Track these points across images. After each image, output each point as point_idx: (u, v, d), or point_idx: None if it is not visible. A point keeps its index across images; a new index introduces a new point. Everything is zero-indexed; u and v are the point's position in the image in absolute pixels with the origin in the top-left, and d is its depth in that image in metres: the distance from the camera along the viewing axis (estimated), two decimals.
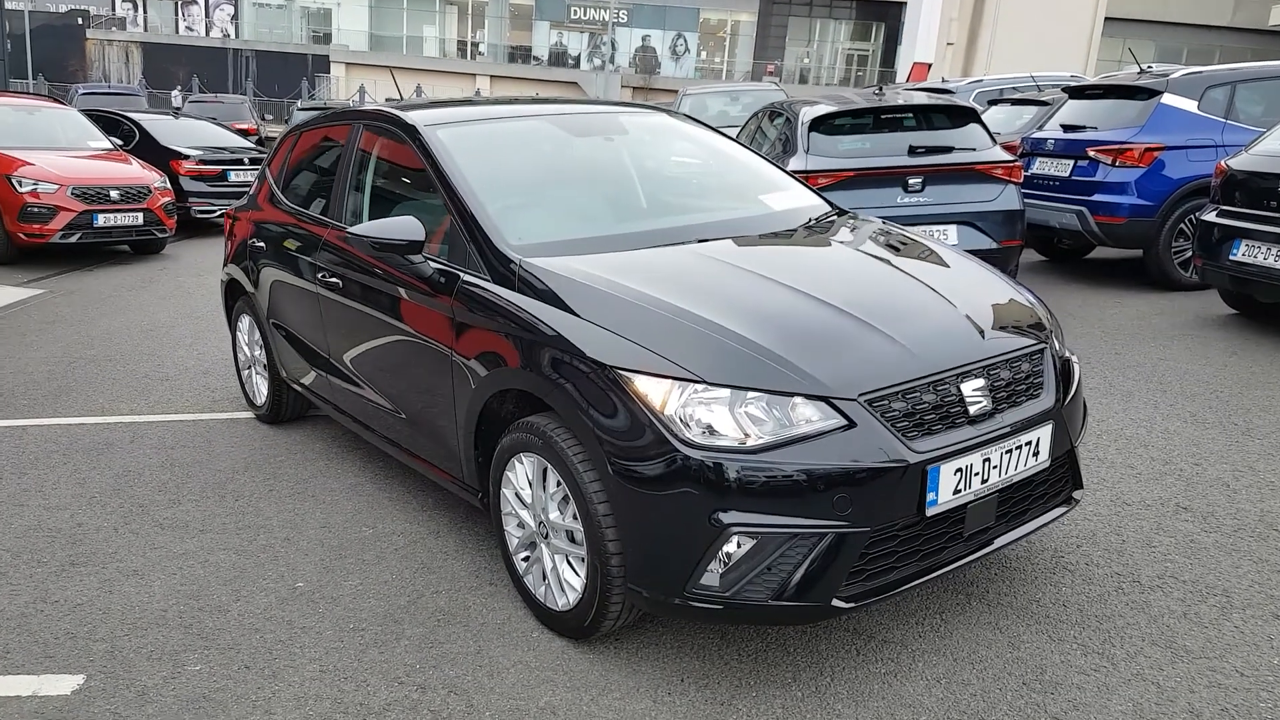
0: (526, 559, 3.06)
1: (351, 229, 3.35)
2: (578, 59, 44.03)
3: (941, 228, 6.27)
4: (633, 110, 4.30)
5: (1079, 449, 3.05)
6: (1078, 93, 8.24)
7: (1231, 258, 5.99)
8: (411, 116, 3.76)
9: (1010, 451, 2.72)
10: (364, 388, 3.83)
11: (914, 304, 2.93)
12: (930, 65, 20.20)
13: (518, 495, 3.02)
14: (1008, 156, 6.60)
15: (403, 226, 3.24)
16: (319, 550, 3.58)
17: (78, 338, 6.91)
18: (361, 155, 4.01)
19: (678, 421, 2.48)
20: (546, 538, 2.91)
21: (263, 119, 22.59)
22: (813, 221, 3.68)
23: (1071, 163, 7.62)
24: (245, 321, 4.97)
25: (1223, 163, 6.30)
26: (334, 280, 3.85)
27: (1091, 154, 7.45)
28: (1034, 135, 8.23)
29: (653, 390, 2.53)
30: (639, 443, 2.52)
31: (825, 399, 2.49)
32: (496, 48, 44.06)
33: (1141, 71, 7.92)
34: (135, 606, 3.21)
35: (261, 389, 4.92)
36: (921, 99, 7.30)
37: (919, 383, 2.61)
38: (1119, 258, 8.99)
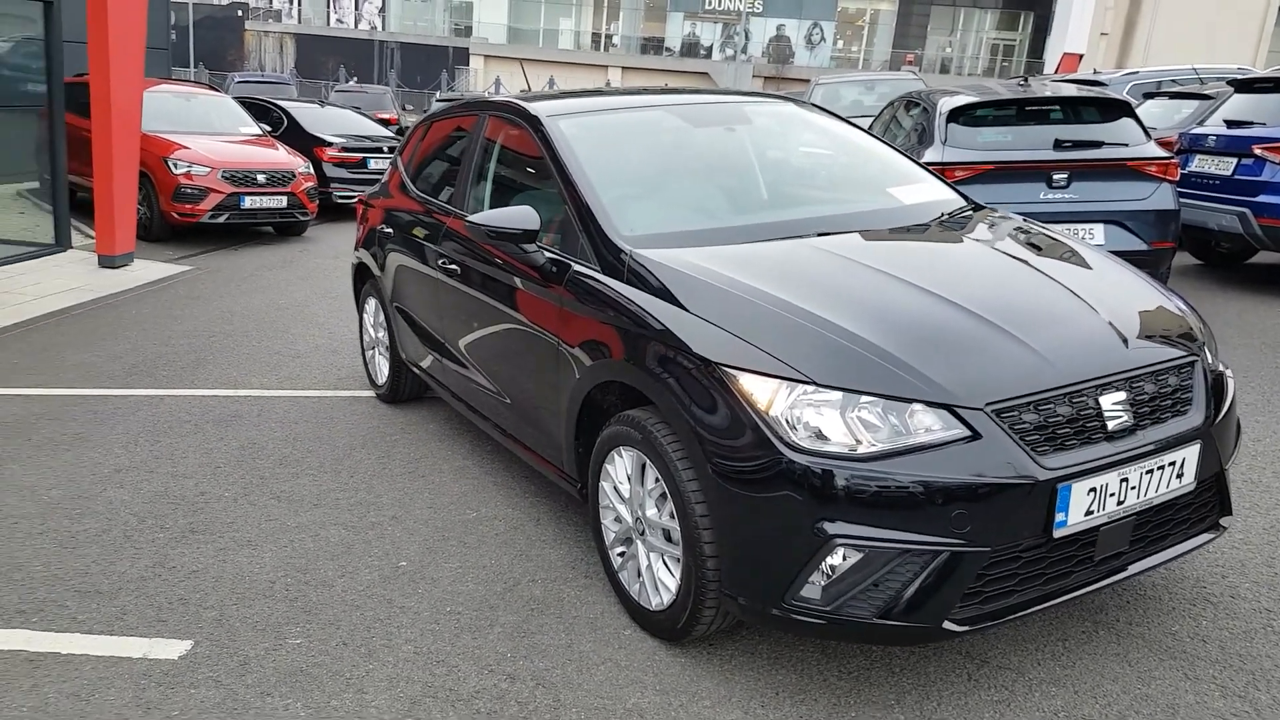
0: (622, 554, 2.99)
1: (470, 217, 3.35)
2: (709, 49, 43.80)
3: (1087, 226, 5.89)
4: (759, 100, 4.17)
5: (1230, 471, 2.78)
6: (1245, 86, 7.61)
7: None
8: (535, 107, 3.74)
9: (1151, 472, 2.49)
10: (474, 373, 3.84)
11: (1052, 308, 2.72)
12: (1081, 56, 19.15)
13: (616, 489, 2.95)
14: (1162, 153, 6.15)
15: (519, 216, 3.22)
16: (424, 530, 3.61)
17: (218, 313, 7.25)
18: (486, 145, 4.02)
19: (783, 423, 2.36)
20: (643, 534, 2.84)
21: (403, 109, 23.32)
22: (945, 217, 3.48)
23: (1235, 161, 7.05)
24: (371, 304, 5.08)
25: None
26: (453, 267, 3.88)
27: (1258, 152, 6.87)
28: (1193, 131, 7.66)
29: (758, 389, 2.41)
30: (741, 443, 2.41)
31: (948, 407, 2.32)
32: (629, 39, 44.29)
33: None
34: (246, 576, 3.30)
35: (383, 369, 5.03)
36: (1069, 90, 6.88)
37: (1053, 394, 2.41)
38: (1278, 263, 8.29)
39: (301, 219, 10.68)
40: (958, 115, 6.19)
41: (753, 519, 2.41)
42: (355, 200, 12.16)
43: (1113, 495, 2.43)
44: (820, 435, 2.34)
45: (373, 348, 5.17)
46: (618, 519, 2.99)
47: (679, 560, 2.66)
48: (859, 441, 2.32)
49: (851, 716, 2.51)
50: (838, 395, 2.36)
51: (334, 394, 5.29)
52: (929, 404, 2.33)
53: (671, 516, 2.66)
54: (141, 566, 3.38)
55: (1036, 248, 3.21)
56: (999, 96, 6.42)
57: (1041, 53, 40.21)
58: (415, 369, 4.61)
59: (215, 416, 4.93)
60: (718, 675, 2.69)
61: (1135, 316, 2.78)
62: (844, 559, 2.32)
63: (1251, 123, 7.13)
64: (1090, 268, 3.09)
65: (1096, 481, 2.39)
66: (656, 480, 2.72)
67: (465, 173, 4.06)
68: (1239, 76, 8.37)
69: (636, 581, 2.90)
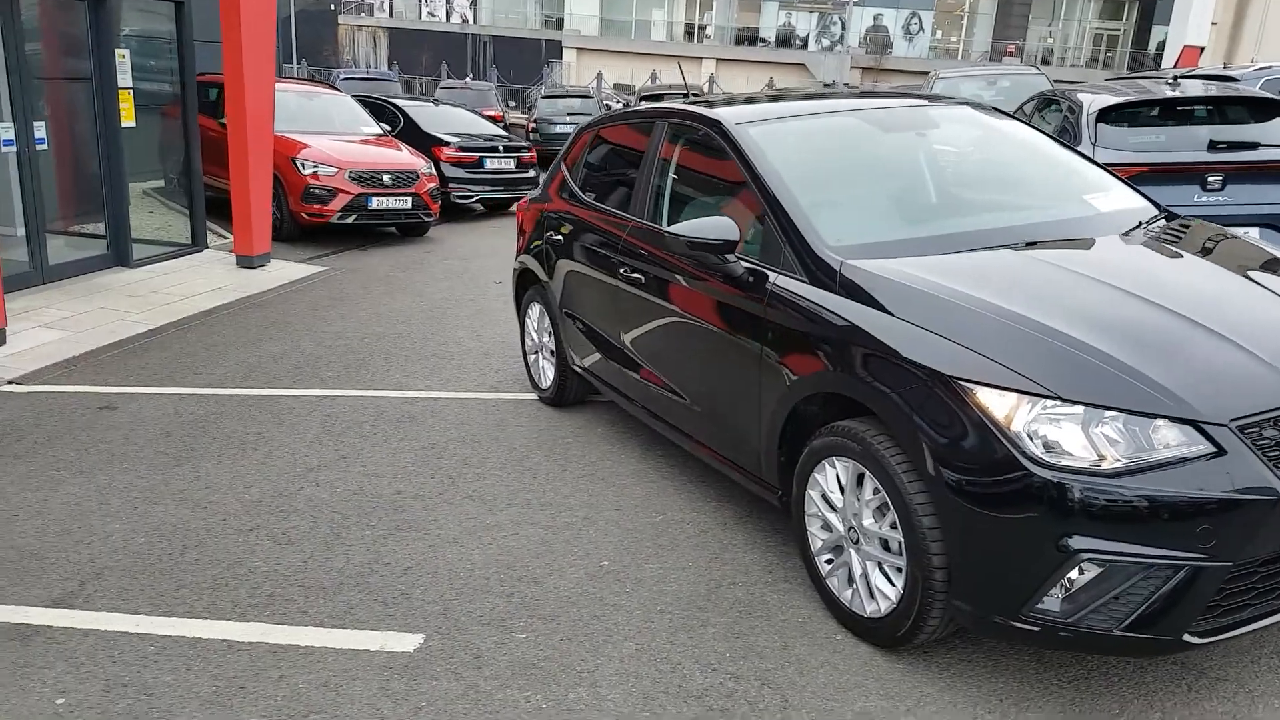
0: (830, 561, 3.11)
1: (669, 228, 3.49)
2: (805, 39, 43.51)
3: (1242, 230, 5.78)
4: (940, 104, 4.23)
5: None
6: None
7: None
8: (720, 114, 3.86)
9: None
10: (658, 379, 3.99)
11: (1277, 321, 2.75)
12: (1203, 49, 18.46)
13: (825, 498, 3.06)
14: None
15: (718, 226, 3.35)
16: (616, 532, 3.78)
17: (366, 315, 7.57)
18: (665, 153, 4.16)
19: (1025, 438, 2.44)
20: (857, 543, 2.95)
21: (506, 105, 23.72)
22: (1144, 225, 3.50)
23: None
24: (535, 309, 5.28)
25: None
26: (636, 275, 4.03)
27: None
28: None
29: (998, 404, 2.49)
30: (980, 458, 2.49)
31: (1193, 423, 2.38)
32: (724, 30, 44.21)
33: None
34: (459, 573, 3.51)
35: (548, 373, 5.22)
36: (1223, 90, 6.74)
37: None
38: None
39: (425, 219, 11.01)
40: (1108, 115, 6.12)
41: (991, 533, 2.49)
42: (478, 200, 12.57)
43: None
44: (1062, 450, 2.41)
45: (535, 352, 5.38)
46: (825, 527, 3.10)
47: (900, 570, 2.76)
48: (1103, 457, 2.38)
49: None
50: (1080, 410, 2.42)
51: (497, 396, 5.51)
52: (1173, 419, 2.38)
53: (893, 527, 2.77)
54: (358, 562, 3.62)
55: (1246, 258, 3.22)
56: (1150, 96, 6.33)
57: (1146, 43, 38.89)
58: (585, 374, 4.79)
59: (390, 418, 5.19)
60: (939, 681, 2.79)
61: None
62: (1085, 573, 2.39)
63: None
64: None
65: None
66: (876, 491, 2.82)
67: (644, 180, 4.20)
68: None
69: (848, 589, 3.02)
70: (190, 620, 3.24)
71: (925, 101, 4.25)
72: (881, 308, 2.87)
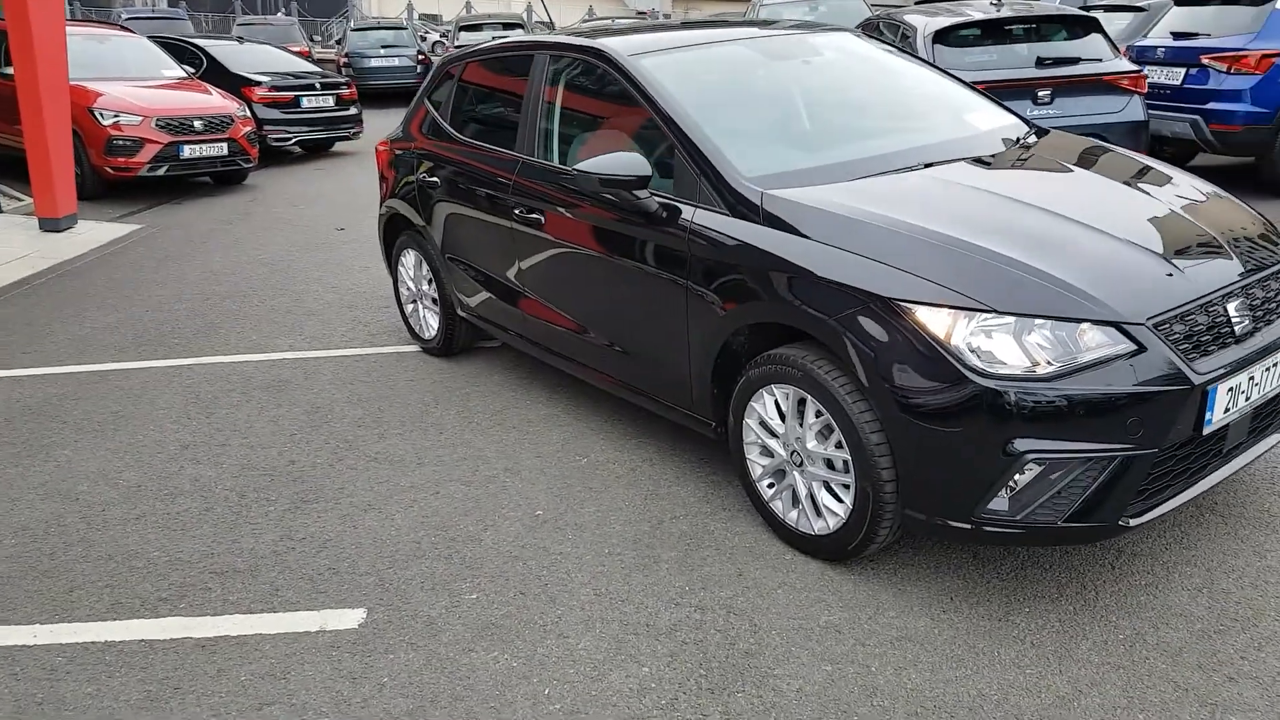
0: (771, 485, 3.17)
1: (578, 166, 3.38)
2: None
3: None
4: (818, 31, 4.27)
5: None
6: None
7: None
8: (610, 46, 3.75)
9: (1269, 369, 2.79)
10: (567, 320, 3.91)
11: (1171, 225, 2.98)
12: None
13: (764, 425, 3.11)
14: (1133, 67, 6.51)
15: (630, 163, 3.28)
16: (542, 479, 3.71)
17: (199, 275, 7.01)
18: (550, 87, 4.01)
19: (966, 351, 2.55)
20: (800, 466, 3.02)
21: (311, 41, 22.21)
22: (1020, 140, 3.69)
23: (1184, 71, 7.48)
24: (410, 256, 5.04)
25: None
26: (534, 216, 3.91)
27: (1205, 61, 7.31)
28: (1140, 43, 8.06)
29: (936, 321, 2.59)
30: (925, 375, 2.59)
31: (1115, 324, 2.55)
32: None
33: None
34: (386, 540, 3.36)
35: (430, 322, 5.02)
36: (1044, 9, 7.16)
37: (1193, 305, 2.66)
38: (1221, 165, 8.86)
39: (244, 166, 10.28)
40: (943, 36, 6.40)
41: (940, 444, 2.60)
42: (296, 142, 11.80)
43: (1243, 393, 2.72)
44: (999, 360, 2.54)
45: (414, 301, 5.15)
46: (766, 453, 3.16)
47: (849, 487, 2.86)
48: (1036, 363, 2.53)
49: (1026, 611, 2.78)
50: (1012, 320, 2.55)
51: (375, 351, 5.26)
52: (1097, 322, 2.55)
53: (839, 447, 2.85)
54: (269, 541, 3.40)
55: (1126, 168, 3.46)
56: (979, 17, 6.64)
57: None
58: (478, 320, 4.63)
59: (260, 383, 4.86)
60: (891, 588, 2.92)
61: (1237, 227, 3.06)
62: (1029, 472, 2.55)
63: (1197, 34, 7.55)
64: (1176, 183, 3.36)
65: (1233, 381, 2.67)
66: (819, 414, 2.89)
67: (530, 117, 4.04)
68: None
69: (793, 510, 3.09)
70: (96, 623, 2.96)
71: (803, 29, 4.27)
72: (809, 236, 2.90)
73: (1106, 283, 2.63)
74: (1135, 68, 6.47)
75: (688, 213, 3.23)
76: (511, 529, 3.38)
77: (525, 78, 4.14)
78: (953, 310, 2.58)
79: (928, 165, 3.31)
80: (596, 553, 3.20)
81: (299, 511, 3.59)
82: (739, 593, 2.94)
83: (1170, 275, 2.71)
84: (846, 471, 2.86)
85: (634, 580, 3.04)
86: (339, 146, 13.38)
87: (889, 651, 2.65)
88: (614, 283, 3.57)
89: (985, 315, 2.56)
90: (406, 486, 3.73)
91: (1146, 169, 3.46)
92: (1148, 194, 3.20)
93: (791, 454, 3.04)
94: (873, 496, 2.77)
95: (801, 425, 2.97)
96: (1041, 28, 6.63)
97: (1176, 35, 7.70)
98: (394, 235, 5.20)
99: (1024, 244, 2.74)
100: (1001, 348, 2.55)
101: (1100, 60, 6.42)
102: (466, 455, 3.95)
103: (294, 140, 11.98)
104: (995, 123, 3.83)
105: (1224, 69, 7.19)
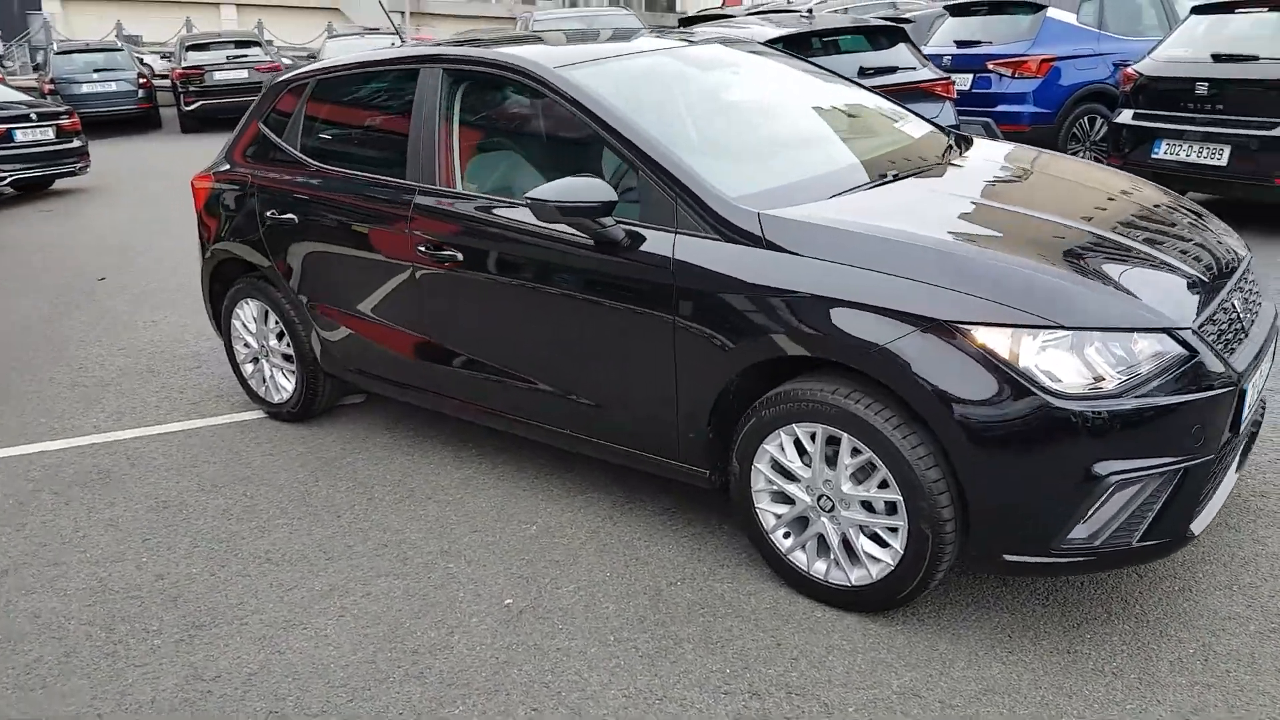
0: (789, 535, 2.84)
1: (532, 194, 2.89)
2: None
3: None
4: (732, 43, 4.01)
5: None
6: (960, 9, 8.56)
7: (1154, 156, 6.49)
8: (527, 57, 3.28)
9: (1269, 360, 2.81)
10: (505, 370, 3.37)
11: (1164, 226, 2.95)
12: None
13: (779, 469, 2.78)
14: (944, 75, 6.77)
15: (591, 187, 2.84)
16: (493, 559, 3.15)
17: None
18: (451, 106, 3.46)
19: (1036, 371, 2.35)
20: (830, 510, 2.71)
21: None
22: (954, 147, 3.59)
23: (971, 76, 7.94)
24: (251, 307, 4.24)
25: (1131, 69, 6.77)
26: (447, 253, 3.34)
27: (991, 68, 7.80)
28: (926, 51, 8.49)
29: (999, 341, 2.37)
30: (994, 400, 2.36)
31: (1167, 331, 2.43)
32: None
33: None
34: (329, 664, 2.70)
35: (282, 383, 4.25)
36: (852, 21, 7.33)
37: (1216, 305, 2.62)
38: None
39: None
40: (774, 47, 6.34)
41: (1016, 473, 2.39)
42: (10, 182, 10.03)
43: (1256, 387, 2.72)
44: (1068, 377, 2.36)
45: (257, 359, 4.35)
46: (781, 500, 2.82)
47: (896, 530, 2.58)
48: (1101, 377, 2.37)
49: (1088, 639, 2.60)
50: (1071, 335, 2.38)
51: (208, 423, 4.39)
52: (1150, 330, 2.43)
53: (883, 486, 2.57)
54: (172, 686, 2.64)
55: (1070, 169, 3.45)
56: (796, 30, 6.66)
57: None
58: (360, 377, 3.94)
59: (73, 478, 3.90)
60: (945, 636, 2.66)
61: (1213, 224, 3.12)
62: (1110, 494, 2.39)
63: (979, 42, 8.05)
64: (1122, 178, 3.39)
65: (1256, 376, 2.66)
66: (855, 453, 2.60)
67: (427, 141, 3.46)
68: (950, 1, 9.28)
69: (821, 560, 2.77)
70: None
71: (708, 38, 4.00)
72: (828, 259, 2.60)
73: (1146, 289, 2.53)
74: (945, 75, 6.75)
75: (665, 240, 2.84)
76: (483, 627, 2.82)
77: (409, 96, 3.55)
78: (1014, 329, 2.38)
79: (898, 177, 3.11)
80: (602, 643, 2.72)
81: (196, 641, 2.83)
82: (788, 667, 2.58)
83: (1191, 277, 2.65)
84: (892, 513, 2.58)
85: (662, 670, 2.60)
86: (62, 184, 11.61)
87: (981, 710, 2.39)
88: (570, 324, 3.10)
89: (1048, 331, 2.37)
90: (324, 590, 3.05)
91: (1085, 168, 3.46)
92: (1121, 196, 3.18)
93: (819, 499, 2.72)
94: (932, 538, 2.51)
95: (833, 467, 2.66)
96: (857, 40, 6.76)
97: (960, 43, 8.18)
98: (225, 284, 4.38)
99: (1055, 254, 2.60)
100: (1065, 365, 2.37)
101: (914, 69, 6.63)
102: (385, 541, 3.31)
103: (8, 180, 10.23)
104: (924, 130, 3.72)
105: (1008, 74, 7.70)
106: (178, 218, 8.87)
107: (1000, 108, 7.74)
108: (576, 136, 3.23)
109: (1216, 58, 6.13)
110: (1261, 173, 5.69)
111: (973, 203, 2.95)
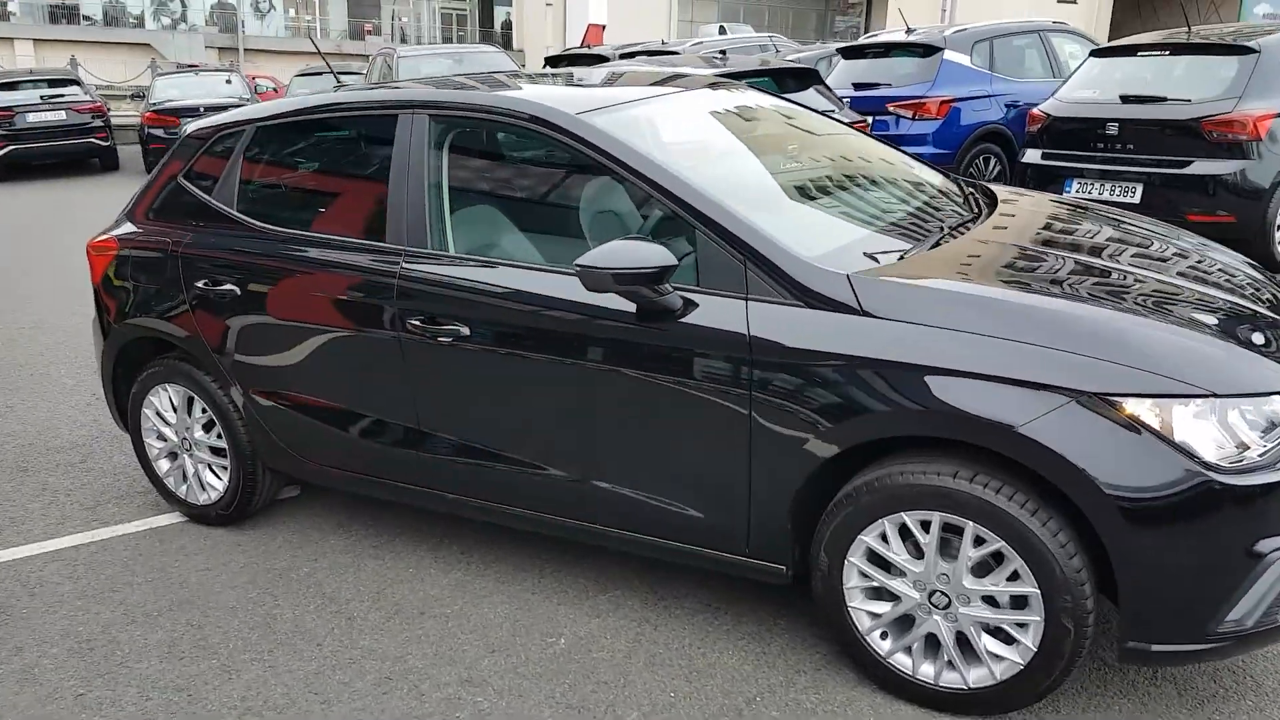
0: (887, 636, 2.51)
1: (580, 261, 2.47)
2: (142, 17, 38.43)
3: None
4: (724, 83, 3.70)
5: None
6: (853, 52, 8.65)
7: (1066, 194, 6.64)
8: (540, 100, 2.87)
9: None
10: (518, 458, 2.90)
11: (1221, 273, 2.84)
12: (605, 26, 20.22)
13: (879, 561, 2.45)
14: (860, 117, 6.75)
15: (645, 252, 2.46)
16: (527, 686, 2.66)
17: None
18: (441, 158, 2.99)
19: (1193, 444, 2.13)
20: (946, 607, 2.39)
21: None
22: (973, 195, 3.41)
23: (870, 118, 7.98)
24: (169, 395, 3.56)
25: (1037, 110, 6.94)
26: (449, 328, 2.85)
27: (891, 109, 7.87)
28: None
29: (1149, 412, 2.14)
30: (1150, 477, 2.13)
31: None
32: (33, 6, 36.73)
33: (909, 30, 8.50)
34: None
35: (210, 480, 3.59)
36: (769, 62, 7.23)
37: None
38: None
39: None
40: None
41: (1172, 554, 2.15)
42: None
43: None
44: (1219, 447, 2.15)
45: (172, 454, 3.67)
46: (878, 596, 2.49)
47: (1026, 626, 2.30)
48: (1247, 445, 2.18)
49: (1214, 716, 2.40)
50: (1222, 402, 2.18)
51: (117, 532, 3.66)
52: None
53: (1013, 579, 2.28)
54: None
55: (1107, 217, 3.31)
56: (718, 70, 6.49)
57: (492, 22, 41.92)
58: (315, 470, 3.36)
59: None
60: None
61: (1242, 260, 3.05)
62: (1269, 570, 2.19)
63: (878, 84, 8.12)
64: (1156, 225, 3.30)
65: None
66: (979, 542, 2.30)
67: (414, 198, 2.96)
68: (846, 44, 9.40)
69: (929, 662, 2.45)
70: None
71: (702, 80, 3.70)
72: (946, 326, 2.31)
73: (1263, 345, 2.38)
74: (860, 117, 6.73)
75: (734, 309, 2.48)
76: None
77: (383, 147, 3.07)
78: (1164, 399, 2.16)
79: (955, 230, 2.89)
80: None
81: None
82: None
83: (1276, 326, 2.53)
84: (1022, 608, 2.30)
85: None
86: None
87: None
88: (608, 404, 2.68)
89: (1200, 400, 2.16)
90: None
91: (1122, 219, 3.34)
92: (1168, 241, 3.07)
93: (931, 595, 2.41)
94: (1074, 633, 2.24)
95: (949, 558, 2.36)
96: (773, 81, 6.65)
97: (858, 85, 8.24)
98: (131, 367, 3.70)
99: (1180, 316, 2.41)
100: (1214, 434, 2.17)
101: (834, 110, 6.57)
102: (387, 673, 2.76)
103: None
104: (937, 178, 3.52)
105: (909, 115, 7.78)
106: (6, 284, 7.83)
107: (903, 149, 7.78)
108: (604, 189, 2.86)
109: (1125, 98, 6.34)
110: (1175, 209, 5.87)
111: (1059, 258, 2.73)
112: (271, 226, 3.27)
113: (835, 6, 39.78)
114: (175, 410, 3.60)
